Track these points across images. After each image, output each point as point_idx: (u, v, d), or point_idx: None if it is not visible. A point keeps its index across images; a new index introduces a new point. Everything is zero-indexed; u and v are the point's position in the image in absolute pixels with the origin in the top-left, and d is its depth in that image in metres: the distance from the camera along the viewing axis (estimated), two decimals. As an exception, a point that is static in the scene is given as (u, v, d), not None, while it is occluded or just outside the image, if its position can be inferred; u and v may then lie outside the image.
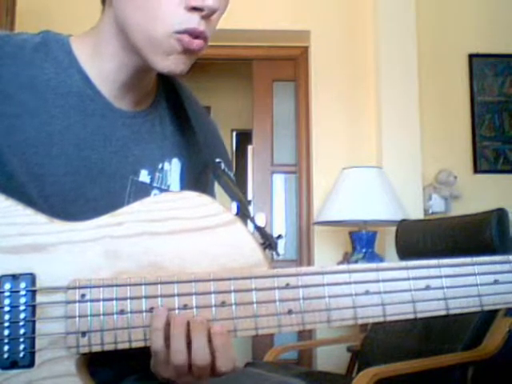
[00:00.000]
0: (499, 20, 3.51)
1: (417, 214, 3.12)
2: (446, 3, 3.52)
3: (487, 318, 2.07)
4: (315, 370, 3.14)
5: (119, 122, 0.95)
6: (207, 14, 0.85)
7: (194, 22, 0.85)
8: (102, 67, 0.93)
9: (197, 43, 0.86)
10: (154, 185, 0.97)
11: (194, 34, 0.85)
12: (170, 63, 0.87)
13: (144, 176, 0.96)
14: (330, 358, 3.12)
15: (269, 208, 3.64)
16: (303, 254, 3.53)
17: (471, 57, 3.47)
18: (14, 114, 0.87)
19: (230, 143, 5.76)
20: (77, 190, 0.89)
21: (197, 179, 1.05)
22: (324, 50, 3.47)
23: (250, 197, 4.11)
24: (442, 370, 1.98)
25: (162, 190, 0.98)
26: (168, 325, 0.72)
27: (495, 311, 2.06)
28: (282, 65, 3.73)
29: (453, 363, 1.98)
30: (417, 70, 3.26)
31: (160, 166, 0.98)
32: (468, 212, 2.34)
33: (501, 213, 2.13)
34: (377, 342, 2.50)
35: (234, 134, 5.81)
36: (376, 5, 3.35)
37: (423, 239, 2.42)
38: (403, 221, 2.68)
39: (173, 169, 1.00)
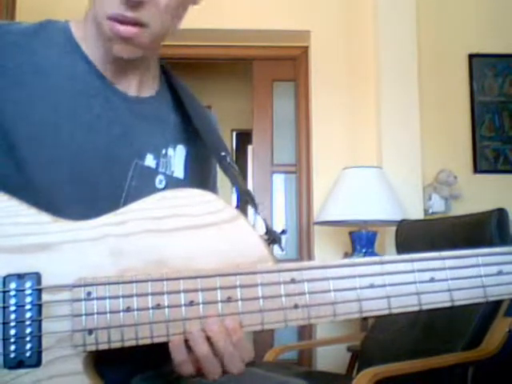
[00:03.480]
0: (499, 20, 3.52)
1: (417, 214, 3.12)
2: (446, 3, 3.52)
3: (487, 318, 2.07)
4: (315, 369, 3.14)
5: (123, 105, 0.95)
6: (132, 2, 0.84)
7: (121, 8, 0.85)
8: (94, 47, 0.94)
9: (125, 30, 0.86)
10: (160, 170, 0.97)
11: (123, 21, 0.85)
12: (115, 50, 0.89)
13: (150, 160, 0.96)
14: (330, 358, 3.12)
15: (269, 208, 3.64)
16: (303, 254, 3.53)
17: (471, 57, 3.47)
18: (26, 100, 0.88)
19: (230, 143, 5.76)
20: (86, 174, 0.89)
21: (200, 167, 1.05)
22: (324, 50, 3.47)
23: (249, 197, 4.10)
24: (442, 369, 1.98)
25: (166, 176, 0.98)
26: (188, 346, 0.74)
27: (495, 311, 2.06)
28: (282, 65, 3.73)
29: (453, 363, 1.98)
30: (417, 70, 3.26)
31: (164, 152, 0.98)
32: (468, 212, 2.34)
33: (501, 213, 2.13)
34: (377, 342, 2.50)
35: (234, 134, 5.81)
36: (376, 5, 3.35)
37: (423, 239, 2.42)
38: (403, 221, 2.68)
39: (177, 155, 1.00)
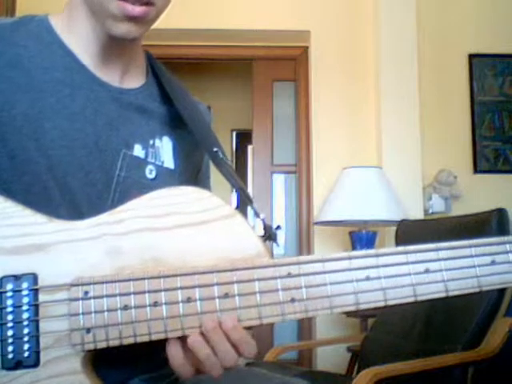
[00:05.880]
0: (499, 20, 3.52)
1: (417, 214, 3.12)
2: (446, 3, 3.52)
3: (487, 318, 2.07)
4: (315, 369, 3.14)
5: (108, 96, 0.95)
6: None
7: None
8: (78, 37, 0.94)
9: (138, 10, 0.86)
10: (149, 160, 0.97)
11: (133, 1, 0.86)
12: (121, 29, 0.89)
13: (138, 150, 0.96)
14: (330, 358, 3.12)
15: (269, 208, 3.64)
16: (303, 254, 3.53)
17: (471, 57, 3.47)
18: (8, 90, 0.88)
19: (230, 143, 5.76)
20: (75, 163, 0.89)
21: (190, 160, 1.04)
22: (324, 50, 3.47)
23: (249, 197, 4.10)
24: (442, 370, 1.98)
25: (156, 166, 0.97)
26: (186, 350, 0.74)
27: (495, 311, 2.06)
28: (282, 65, 3.73)
29: (453, 363, 1.97)
30: (417, 70, 3.26)
31: (151, 142, 0.98)
32: (468, 212, 2.34)
33: (501, 213, 2.12)
34: (377, 342, 2.49)
35: (234, 134, 5.81)
36: (376, 5, 3.35)
37: (423, 239, 2.41)
38: (403, 221, 2.68)
39: (164, 146, 1.00)
